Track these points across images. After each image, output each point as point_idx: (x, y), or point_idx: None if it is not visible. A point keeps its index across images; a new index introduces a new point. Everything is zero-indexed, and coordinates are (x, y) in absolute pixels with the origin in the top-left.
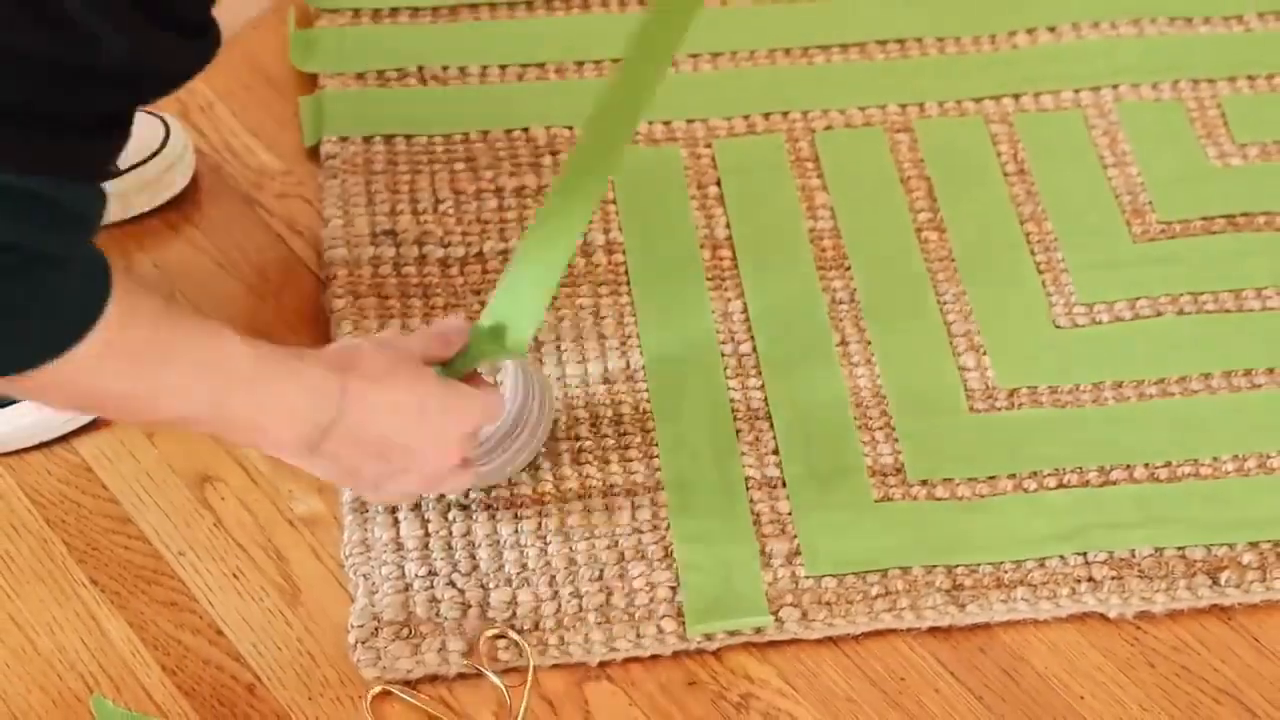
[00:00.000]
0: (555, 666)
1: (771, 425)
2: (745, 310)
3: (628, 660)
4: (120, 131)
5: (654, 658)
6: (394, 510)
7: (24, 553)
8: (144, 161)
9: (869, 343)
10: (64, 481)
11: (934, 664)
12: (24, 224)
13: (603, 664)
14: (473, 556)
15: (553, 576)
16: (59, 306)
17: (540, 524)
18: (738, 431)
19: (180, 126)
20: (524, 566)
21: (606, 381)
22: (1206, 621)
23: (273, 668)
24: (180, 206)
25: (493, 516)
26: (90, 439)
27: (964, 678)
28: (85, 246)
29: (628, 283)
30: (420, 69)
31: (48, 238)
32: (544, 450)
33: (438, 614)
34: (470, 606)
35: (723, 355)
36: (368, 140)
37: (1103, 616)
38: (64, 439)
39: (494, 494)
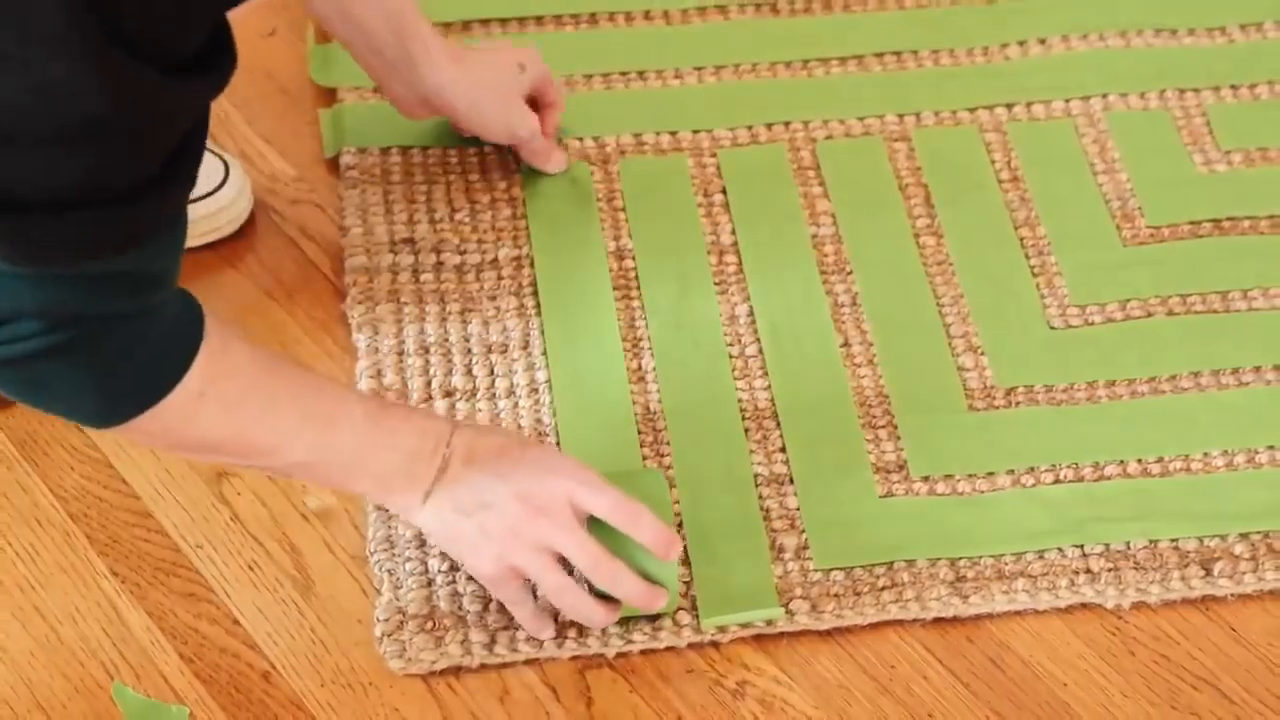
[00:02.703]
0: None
1: (778, 424)
2: (751, 313)
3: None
4: (172, 181)
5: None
6: None
7: (48, 545)
8: (194, 200)
9: (871, 344)
10: (86, 477)
11: (923, 652)
12: (100, 297)
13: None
14: None
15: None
16: (147, 359)
17: None
18: (746, 430)
19: (241, 172)
20: None
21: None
22: (1185, 612)
23: (287, 656)
24: None
25: None
26: (110, 436)
27: (952, 665)
28: (172, 296)
29: (638, 287)
30: None
31: (124, 303)
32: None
33: (460, 608)
34: (491, 600)
35: (730, 357)
36: (385, 151)
37: (1085, 606)
38: (84, 435)
39: None
